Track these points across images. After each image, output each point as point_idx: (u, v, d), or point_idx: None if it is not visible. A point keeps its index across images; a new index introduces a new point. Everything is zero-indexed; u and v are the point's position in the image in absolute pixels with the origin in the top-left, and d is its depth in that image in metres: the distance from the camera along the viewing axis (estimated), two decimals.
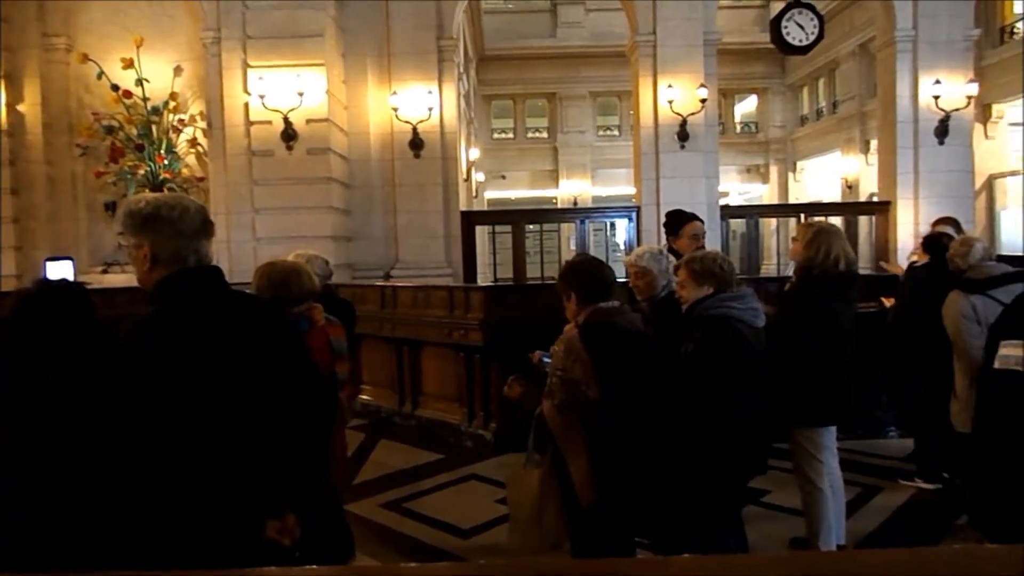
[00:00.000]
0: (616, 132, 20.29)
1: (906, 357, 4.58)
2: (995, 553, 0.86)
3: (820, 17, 9.50)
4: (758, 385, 2.69)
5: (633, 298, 3.50)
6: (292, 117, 8.21)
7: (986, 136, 13.34)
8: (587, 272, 2.74)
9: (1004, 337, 1.33)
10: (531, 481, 2.74)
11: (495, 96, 20.46)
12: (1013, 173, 13.71)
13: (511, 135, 20.92)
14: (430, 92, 9.15)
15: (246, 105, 8.35)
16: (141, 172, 8.56)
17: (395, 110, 9.11)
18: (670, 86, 9.38)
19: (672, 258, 3.60)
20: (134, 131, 8.58)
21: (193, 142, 8.82)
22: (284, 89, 8.17)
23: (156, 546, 1.70)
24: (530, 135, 20.85)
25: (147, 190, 8.30)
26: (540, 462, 2.77)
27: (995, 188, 13.68)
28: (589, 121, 20.44)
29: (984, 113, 13.12)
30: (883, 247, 10.10)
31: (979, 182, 12.54)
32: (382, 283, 7.63)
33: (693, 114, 9.43)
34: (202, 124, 8.73)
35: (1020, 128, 13.91)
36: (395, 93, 9.09)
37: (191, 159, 8.90)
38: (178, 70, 8.79)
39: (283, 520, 1.87)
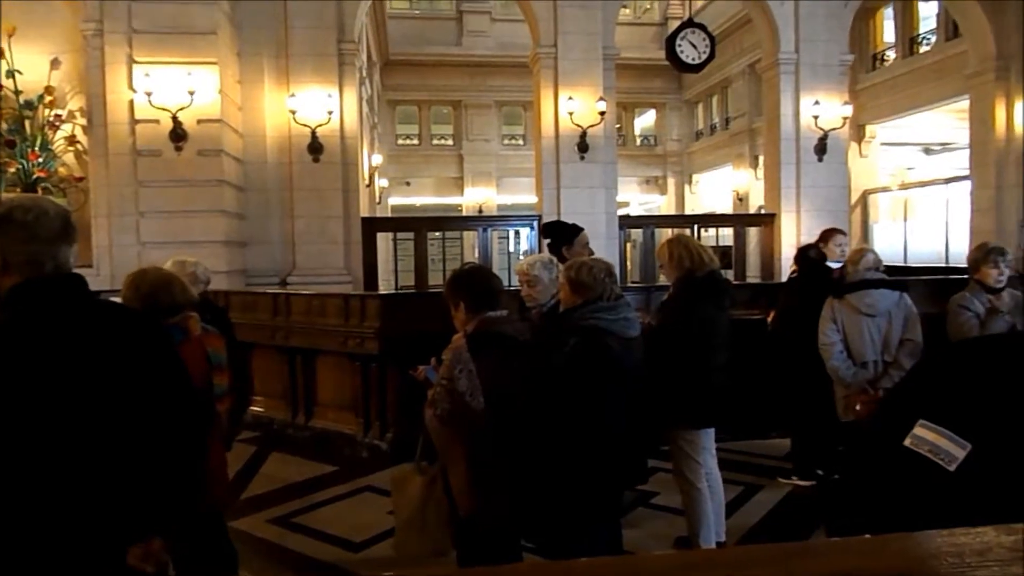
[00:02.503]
0: (521, 141, 20.51)
1: (787, 361, 4.87)
2: (861, 544, 0.91)
3: (712, 37, 9.94)
4: (631, 394, 2.77)
5: (523, 306, 3.54)
6: (182, 116, 7.85)
7: (860, 155, 14.37)
8: (475, 281, 2.74)
9: (924, 415, 1.10)
10: (413, 486, 2.72)
11: (400, 101, 20.27)
12: (884, 189, 14.85)
13: (416, 141, 20.76)
14: (330, 95, 8.98)
15: (131, 102, 7.92)
16: (12, 170, 7.97)
17: (293, 113, 8.88)
18: (570, 98, 9.58)
19: None
20: (4, 126, 7.99)
21: (72, 139, 8.29)
22: (173, 87, 7.80)
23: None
24: (435, 142, 20.75)
25: (19, 189, 7.75)
26: (426, 470, 2.75)
27: (868, 203, 14.76)
28: (494, 130, 20.57)
29: (859, 133, 14.13)
30: (768, 256, 10.67)
31: (854, 197, 13.50)
32: (275, 290, 7.39)
33: (593, 126, 9.67)
34: (82, 121, 8.23)
35: (891, 148, 15.07)
36: (293, 95, 8.86)
37: (69, 157, 8.36)
38: (55, 63, 8.25)
39: (147, 545, 1.77)
